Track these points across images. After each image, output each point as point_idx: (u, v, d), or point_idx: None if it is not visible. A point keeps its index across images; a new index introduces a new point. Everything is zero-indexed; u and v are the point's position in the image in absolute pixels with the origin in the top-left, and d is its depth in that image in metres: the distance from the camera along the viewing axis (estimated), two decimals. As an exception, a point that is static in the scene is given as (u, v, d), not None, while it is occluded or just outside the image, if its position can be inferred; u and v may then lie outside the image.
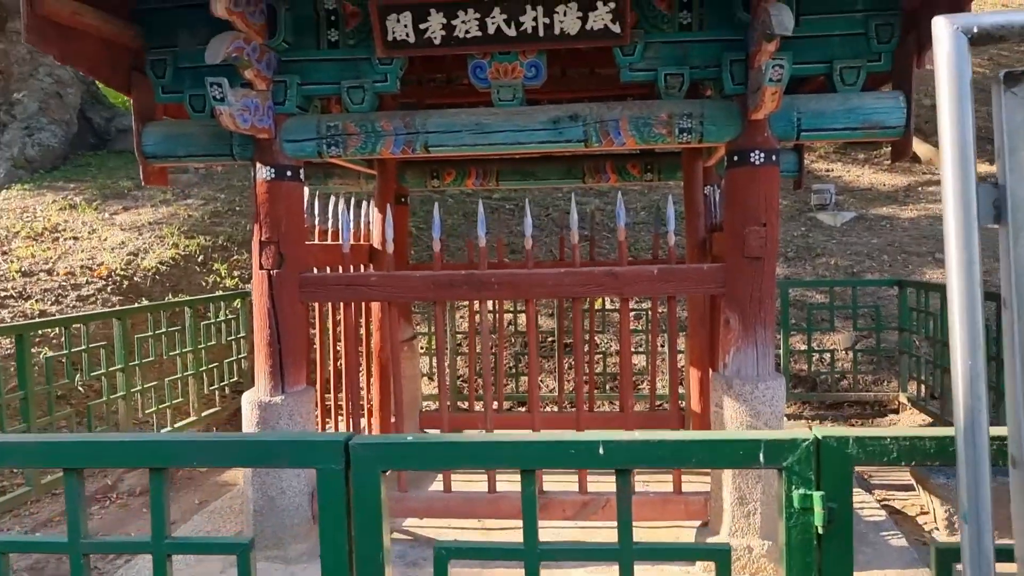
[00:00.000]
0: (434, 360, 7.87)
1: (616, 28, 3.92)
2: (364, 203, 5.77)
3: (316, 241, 4.91)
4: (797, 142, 4.07)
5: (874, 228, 10.00)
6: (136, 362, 6.08)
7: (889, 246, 9.38)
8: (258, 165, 4.18)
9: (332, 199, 5.02)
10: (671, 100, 4.02)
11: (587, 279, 4.12)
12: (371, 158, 4.21)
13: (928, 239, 9.43)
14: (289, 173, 4.20)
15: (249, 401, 4.23)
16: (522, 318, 8.29)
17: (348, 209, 4.71)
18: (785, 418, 4.43)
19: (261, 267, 4.22)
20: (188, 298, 7.25)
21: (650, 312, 6.72)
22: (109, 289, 8.09)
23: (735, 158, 3.97)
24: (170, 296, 8.27)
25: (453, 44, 4.04)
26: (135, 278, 8.35)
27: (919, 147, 13.42)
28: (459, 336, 8.17)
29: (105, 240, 8.94)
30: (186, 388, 6.68)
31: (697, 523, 4.29)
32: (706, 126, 3.96)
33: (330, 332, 5.17)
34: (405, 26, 3.99)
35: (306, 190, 4.70)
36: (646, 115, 3.99)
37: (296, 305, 4.27)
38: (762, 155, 3.92)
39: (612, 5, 3.86)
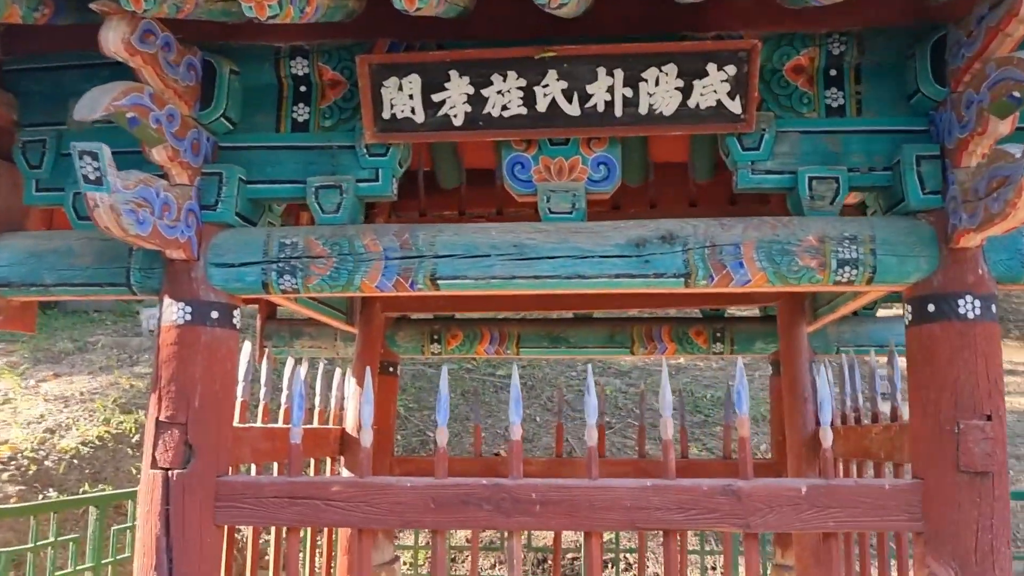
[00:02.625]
0: (421, 583, 5.99)
1: (735, 106, 2.55)
2: (339, 372, 4.20)
3: (260, 423, 3.28)
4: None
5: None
6: (-1, 589, 4.25)
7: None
8: (166, 301, 2.65)
9: (289, 362, 3.44)
10: (821, 217, 2.58)
11: (689, 499, 2.49)
12: (346, 295, 2.75)
13: (1024, 438, 7.83)
14: (215, 315, 2.66)
15: None
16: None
17: (301, 374, 3.14)
18: None
19: (154, 464, 2.58)
20: (95, 494, 5.50)
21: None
22: (7, 476, 6.30)
23: (929, 308, 2.47)
24: (87, 487, 6.48)
25: (483, 126, 2.64)
26: (46, 462, 6.58)
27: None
28: (453, 551, 6.33)
29: (20, 413, 7.24)
30: (76, 624, 4.78)
31: None
32: (880, 257, 2.48)
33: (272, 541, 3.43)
34: (410, 96, 2.61)
35: (246, 346, 3.15)
36: (785, 239, 2.52)
37: (207, 530, 2.59)
38: (978, 304, 2.42)
39: (732, 71, 2.50)
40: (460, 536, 6.51)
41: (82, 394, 7.77)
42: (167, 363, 2.60)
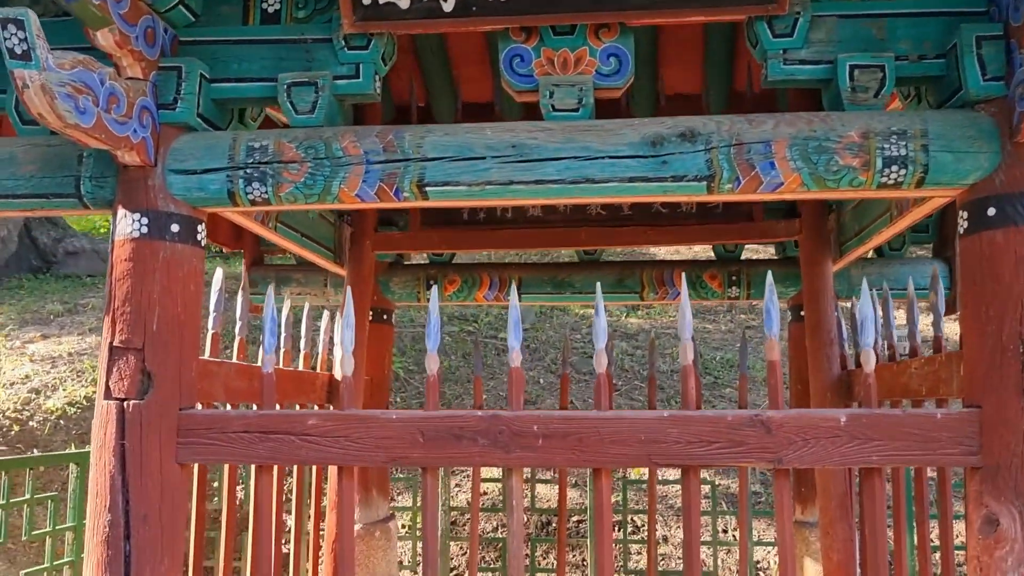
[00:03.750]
0: (417, 545, 5.73)
1: (765, -16, 2.22)
2: (327, 315, 3.90)
3: (235, 359, 2.98)
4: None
5: None
6: (-31, 547, 4.00)
7: None
8: (120, 212, 2.35)
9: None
10: (864, 111, 2.25)
11: (712, 432, 2.19)
12: (320, 207, 2.45)
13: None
14: (176, 228, 2.35)
15: (60, 655, 2.19)
16: (541, 489, 6.20)
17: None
18: None
19: (108, 394, 2.29)
20: (76, 451, 5.23)
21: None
22: (-11, 437, 6.07)
23: (989, 212, 2.15)
24: (73, 448, 6.22)
25: (476, 12, 2.32)
26: (31, 423, 6.33)
27: None
28: (455, 512, 6.07)
29: (4, 374, 6.97)
30: (55, 585, 4.54)
31: None
32: (933, 154, 2.17)
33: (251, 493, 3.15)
34: (394, -23, 2.28)
35: (218, 274, 2.85)
36: (823, 135, 2.21)
37: (168, 468, 2.30)
38: (1047, 206, 2.11)
39: (761, -60, 2.17)
40: (462, 498, 6.26)
41: (70, 355, 7.50)
42: (121, 281, 2.30)
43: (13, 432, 6.17)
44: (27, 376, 6.95)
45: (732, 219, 3.83)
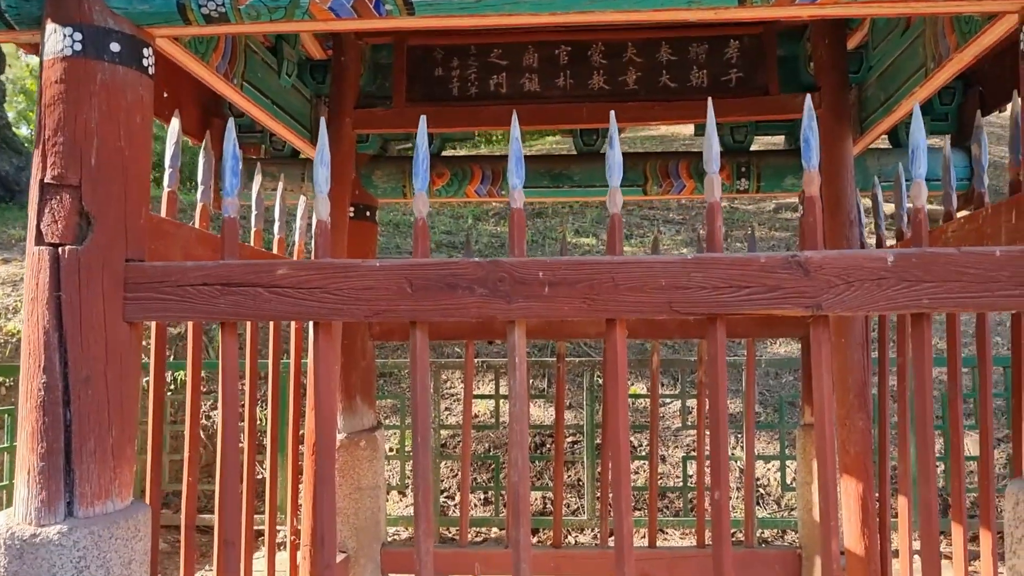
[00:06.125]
0: (406, 466, 5.49)
1: None
2: (303, 200, 3.56)
3: (197, 224, 2.65)
4: None
5: None
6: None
7: None
8: (49, 27, 2.00)
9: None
10: (922, -100, 1.93)
11: (742, 275, 1.90)
12: (290, 28, 2.10)
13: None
14: (117, 48, 2.01)
15: (-6, 535, 1.90)
16: (533, 410, 5.97)
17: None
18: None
19: (40, 239, 1.98)
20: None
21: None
22: (-50, 357, 5.75)
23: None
24: (40, 369, 5.92)
25: None
26: (-6, 344, 6.02)
27: None
28: (444, 432, 5.83)
29: (-35, 295, 6.63)
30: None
31: None
32: (1003, -52, 1.85)
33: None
34: None
35: (175, 125, 2.51)
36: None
37: (114, 325, 2.00)
38: None
39: None
40: (452, 421, 6.01)
41: (37, 278, 7.14)
42: (51, 107, 1.96)
43: (-25, 353, 5.85)
44: (-9, 298, 6.61)
45: (745, 93, 3.51)
